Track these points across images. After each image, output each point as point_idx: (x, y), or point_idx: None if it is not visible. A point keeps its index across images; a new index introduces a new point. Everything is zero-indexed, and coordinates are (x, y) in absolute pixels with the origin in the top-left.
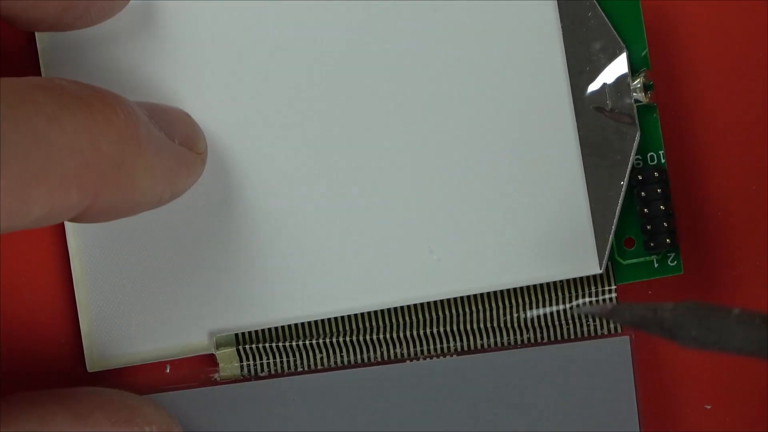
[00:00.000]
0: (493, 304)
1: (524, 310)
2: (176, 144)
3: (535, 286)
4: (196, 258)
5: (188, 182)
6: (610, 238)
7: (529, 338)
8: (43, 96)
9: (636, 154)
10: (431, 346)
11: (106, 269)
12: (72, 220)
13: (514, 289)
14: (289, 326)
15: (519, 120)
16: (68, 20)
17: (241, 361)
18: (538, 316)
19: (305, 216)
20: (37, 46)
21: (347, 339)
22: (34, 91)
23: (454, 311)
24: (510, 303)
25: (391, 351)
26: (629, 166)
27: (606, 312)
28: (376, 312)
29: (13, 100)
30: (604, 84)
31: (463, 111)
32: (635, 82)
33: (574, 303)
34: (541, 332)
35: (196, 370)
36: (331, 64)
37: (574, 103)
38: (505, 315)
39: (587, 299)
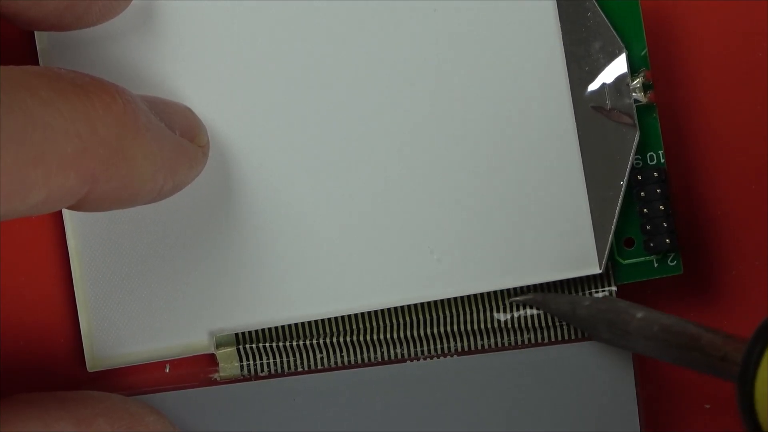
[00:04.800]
0: (494, 304)
1: (525, 310)
2: (177, 135)
3: (535, 285)
4: (196, 258)
5: (190, 174)
6: (609, 238)
7: (529, 339)
8: (38, 81)
9: (635, 154)
10: (431, 347)
11: (106, 269)
12: (72, 208)
13: (515, 289)
14: (289, 326)
15: (519, 120)
16: (69, 20)
17: (241, 360)
18: (539, 316)
19: (305, 215)
20: (37, 45)
21: (347, 339)
22: (29, 77)
23: (454, 311)
24: (510, 303)
25: (391, 351)
26: (629, 166)
27: (537, 302)
28: (376, 312)
29: (8, 85)
30: (604, 84)
31: (462, 111)
32: (635, 82)
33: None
34: (542, 333)
35: (196, 370)
36: (332, 63)
37: (573, 103)
38: (505, 315)
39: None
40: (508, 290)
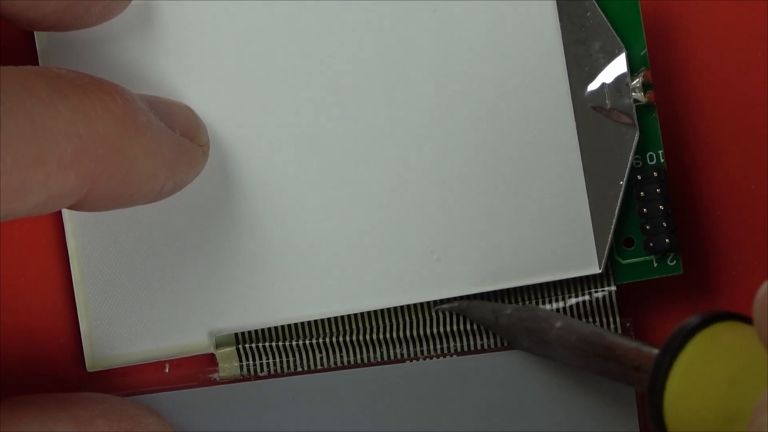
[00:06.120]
0: None
1: None
2: (177, 134)
3: (534, 285)
4: (196, 258)
5: (190, 174)
6: (609, 238)
7: None
8: (37, 81)
9: (635, 154)
10: (431, 346)
11: (106, 269)
12: (72, 207)
13: (514, 289)
14: (289, 326)
15: (519, 120)
16: (68, 20)
17: (240, 360)
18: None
19: (305, 215)
20: (37, 45)
21: (347, 339)
22: (29, 78)
23: (454, 311)
24: (510, 303)
25: (391, 351)
26: (628, 166)
27: (461, 310)
28: (376, 312)
29: (7, 86)
30: (604, 84)
31: (462, 111)
32: (634, 82)
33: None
34: None
35: (196, 370)
36: (332, 63)
37: (573, 103)
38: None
39: (582, 298)
40: (508, 290)
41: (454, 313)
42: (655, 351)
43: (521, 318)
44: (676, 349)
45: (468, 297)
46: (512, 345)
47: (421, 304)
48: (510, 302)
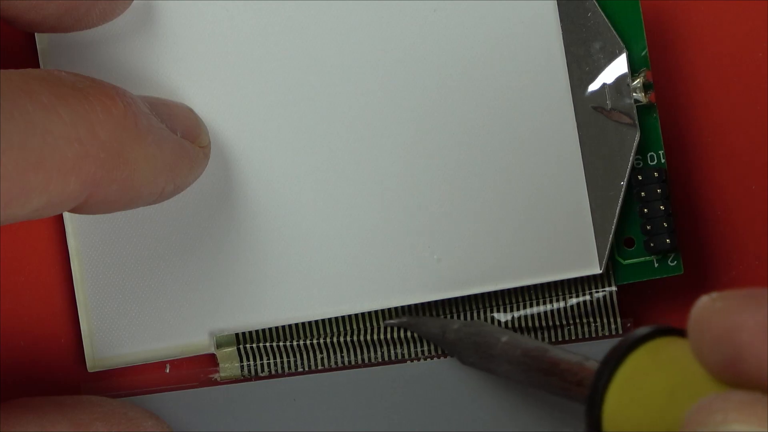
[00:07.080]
0: (494, 304)
1: (524, 310)
2: (178, 136)
3: (535, 285)
4: (197, 258)
5: (191, 176)
6: (610, 238)
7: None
8: (39, 86)
9: (636, 154)
10: (431, 347)
11: (106, 269)
12: (74, 211)
13: (515, 289)
14: (290, 326)
15: (519, 120)
16: (69, 22)
17: (241, 361)
18: (539, 316)
19: (306, 215)
20: (37, 47)
21: (347, 339)
22: (30, 82)
23: (454, 311)
24: (510, 303)
25: (391, 351)
26: (629, 166)
27: (409, 325)
28: (376, 312)
29: (8, 91)
30: (604, 84)
31: (463, 111)
32: (635, 82)
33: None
34: (542, 333)
35: (196, 370)
36: (332, 64)
37: (574, 103)
38: (505, 315)
39: (583, 298)
40: (509, 290)
41: (401, 328)
42: (597, 366)
43: (468, 333)
44: (616, 362)
45: (468, 297)
46: (459, 360)
47: (421, 304)
48: (506, 303)
